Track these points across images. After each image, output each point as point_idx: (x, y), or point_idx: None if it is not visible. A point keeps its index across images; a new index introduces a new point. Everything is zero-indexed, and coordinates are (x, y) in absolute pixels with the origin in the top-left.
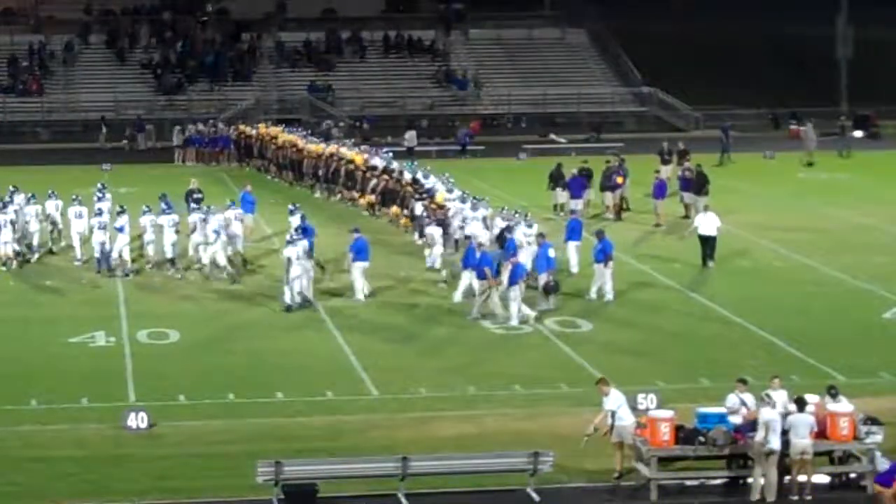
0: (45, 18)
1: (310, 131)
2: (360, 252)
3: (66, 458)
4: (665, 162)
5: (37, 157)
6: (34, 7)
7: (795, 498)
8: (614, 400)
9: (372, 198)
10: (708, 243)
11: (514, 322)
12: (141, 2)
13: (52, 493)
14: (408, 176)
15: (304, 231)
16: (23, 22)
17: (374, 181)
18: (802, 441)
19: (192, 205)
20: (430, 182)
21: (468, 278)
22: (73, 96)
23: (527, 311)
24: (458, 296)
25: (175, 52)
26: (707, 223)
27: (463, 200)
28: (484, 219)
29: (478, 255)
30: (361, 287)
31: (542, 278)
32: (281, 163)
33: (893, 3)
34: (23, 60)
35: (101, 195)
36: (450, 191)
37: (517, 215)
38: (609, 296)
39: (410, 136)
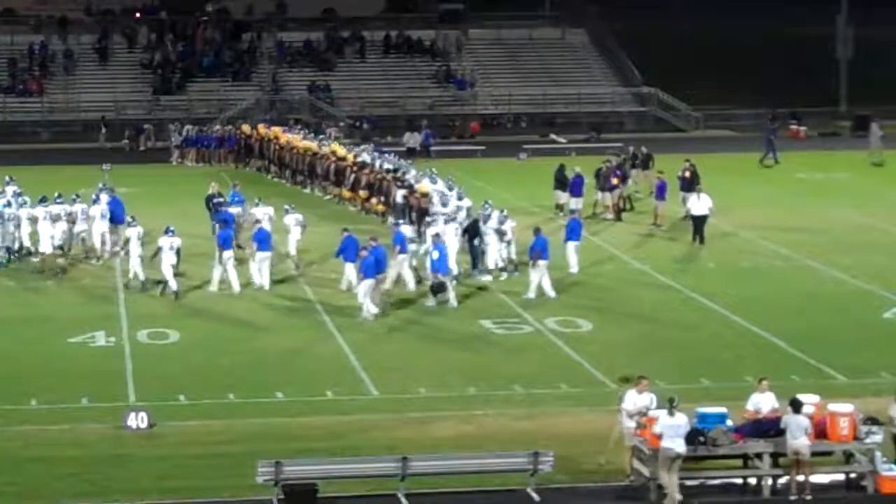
0: (46, 18)
1: (300, 127)
2: (262, 242)
3: (66, 458)
4: (633, 166)
5: (37, 157)
6: (34, 7)
7: (794, 497)
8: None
9: (346, 191)
10: (699, 222)
11: (367, 316)
12: (141, 2)
13: (52, 493)
14: (384, 166)
15: (225, 222)
16: (23, 22)
17: (353, 176)
18: (796, 442)
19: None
20: (453, 194)
21: (350, 272)
22: (73, 96)
23: (370, 308)
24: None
25: (175, 52)
26: (699, 204)
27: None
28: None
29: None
30: (260, 275)
31: (431, 278)
32: (282, 163)
33: (893, 3)
34: (23, 61)
35: (18, 191)
36: (460, 198)
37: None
38: (550, 294)
39: (413, 138)
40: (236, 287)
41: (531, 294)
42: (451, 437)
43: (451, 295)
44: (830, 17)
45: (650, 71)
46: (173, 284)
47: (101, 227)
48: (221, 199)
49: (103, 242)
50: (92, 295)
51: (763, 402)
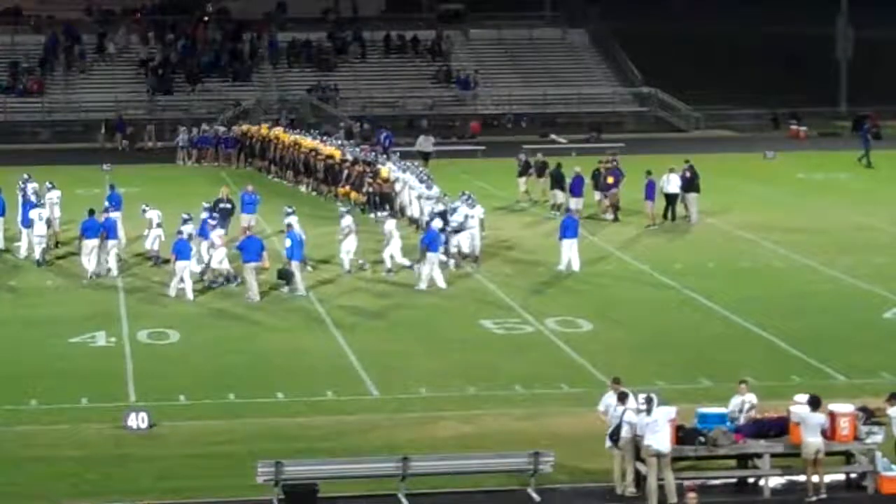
0: (46, 18)
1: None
2: (86, 231)
3: (66, 458)
4: (521, 174)
5: (37, 157)
6: (35, 7)
7: (814, 499)
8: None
9: (345, 188)
10: (671, 200)
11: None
12: (142, 2)
13: (52, 493)
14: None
15: (92, 211)
16: (24, 22)
17: (345, 172)
18: (813, 440)
19: (215, 214)
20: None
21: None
22: (73, 96)
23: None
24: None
25: (175, 52)
26: (671, 183)
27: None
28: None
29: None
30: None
31: (283, 264)
32: (283, 163)
33: (893, 3)
34: (24, 61)
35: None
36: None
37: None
38: (441, 285)
39: (427, 141)
40: (90, 270)
41: (422, 285)
42: (452, 437)
43: (301, 285)
44: (830, 17)
45: (650, 71)
46: (37, 253)
47: None
48: (230, 206)
49: None
50: (92, 295)
51: (744, 402)
